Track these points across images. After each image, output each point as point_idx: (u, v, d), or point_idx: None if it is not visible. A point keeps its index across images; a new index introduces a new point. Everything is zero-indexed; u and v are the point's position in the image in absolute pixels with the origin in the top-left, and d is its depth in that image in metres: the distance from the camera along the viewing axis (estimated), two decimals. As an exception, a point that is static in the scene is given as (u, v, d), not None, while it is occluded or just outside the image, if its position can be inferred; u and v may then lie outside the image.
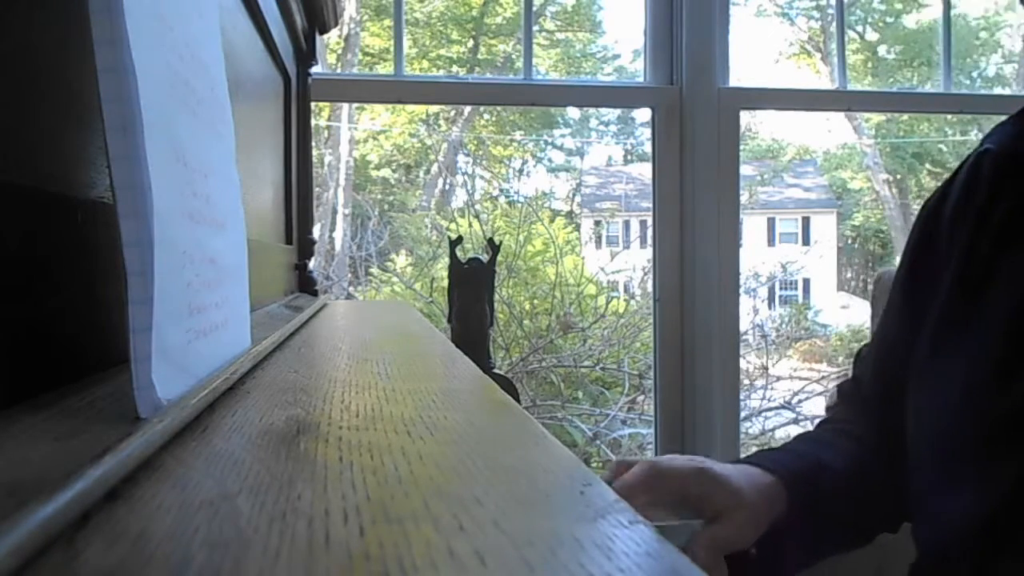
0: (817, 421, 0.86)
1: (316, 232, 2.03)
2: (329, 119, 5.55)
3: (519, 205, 5.61)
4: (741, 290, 2.07)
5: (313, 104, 1.41)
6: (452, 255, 1.48)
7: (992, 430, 0.61)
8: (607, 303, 3.54)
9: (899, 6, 7.33)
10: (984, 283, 0.65)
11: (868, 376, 0.80)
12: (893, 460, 0.71)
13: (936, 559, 0.66)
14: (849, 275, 9.25)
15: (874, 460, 0.75)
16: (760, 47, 7.87)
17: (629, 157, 7.99)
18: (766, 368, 3.68)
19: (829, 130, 8.66)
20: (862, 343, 0.88)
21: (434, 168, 6.75)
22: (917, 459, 0.68)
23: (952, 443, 0.64)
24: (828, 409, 0.87)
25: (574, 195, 7.91)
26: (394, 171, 6.96)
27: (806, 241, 9.49)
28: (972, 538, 0.61)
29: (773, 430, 3.41)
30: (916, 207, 0.83)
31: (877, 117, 7.48)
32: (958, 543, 0.62)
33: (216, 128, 0.48)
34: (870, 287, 1.39)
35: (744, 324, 3.72)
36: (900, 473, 0.70)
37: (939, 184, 0.76)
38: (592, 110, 7.40)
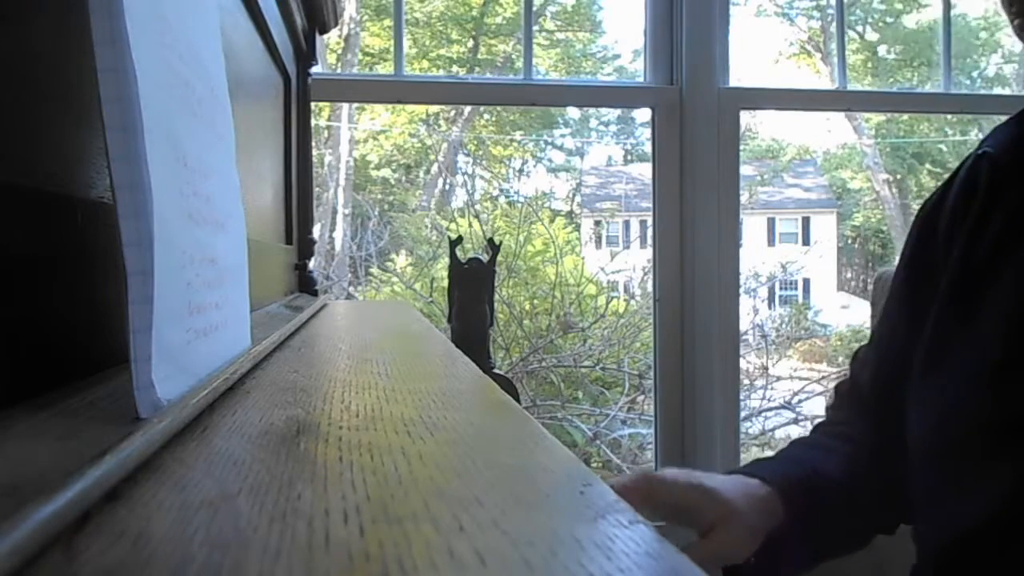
0: (814, 423, 0.86)
1: (316, 232, 2.03)
2: (329, 119, 5.55)
3: (519, 205, 5.60)
4: (741, 290, 2.07)
5: (313, 104, 1.41)
6: (452, 255, 1.48)
7: (991, 430, 0.61)
8: (607, 303, 3.54)
9: (899, 6, 7.33)
10: (982, 285, 0.65)
11: (866, 378, 0.80)
12: (891, 462, 0.71)
13: (937, 560, 0.66)
14: (849, 275, 9.24)
15: (871, 462, 0.74)
16: (760, 47, 7.85)
17: (629, 157, 7.98)
18: (766, 368, 3.68)
19: (829, 130, 8.65)
20: (862, 343, 0.88)
21: (434, 168, 6.74)
22: (917, 460, 0.68)
23: (952, 444, 0.64)
24: (827, 409, 0.87)
25: (574, 195, 7.90)
26: (394, 171, 6.95)
27: (806, 241, 9.48)
28: (973, 538, 0.61)
29: (773, 430, 3.41)
30: (916, 207, 0.83)
31: (877, 117, 7.47)
32: (959, 544, 0.62)
33: (216, 128, 0.48)
34: (870, 287, 1.39)
35: (744, 324, 3.71)
36: (897, 475, 0.70)
37: (938, 185, 0.76)
38: (592, 110, 7.39)
